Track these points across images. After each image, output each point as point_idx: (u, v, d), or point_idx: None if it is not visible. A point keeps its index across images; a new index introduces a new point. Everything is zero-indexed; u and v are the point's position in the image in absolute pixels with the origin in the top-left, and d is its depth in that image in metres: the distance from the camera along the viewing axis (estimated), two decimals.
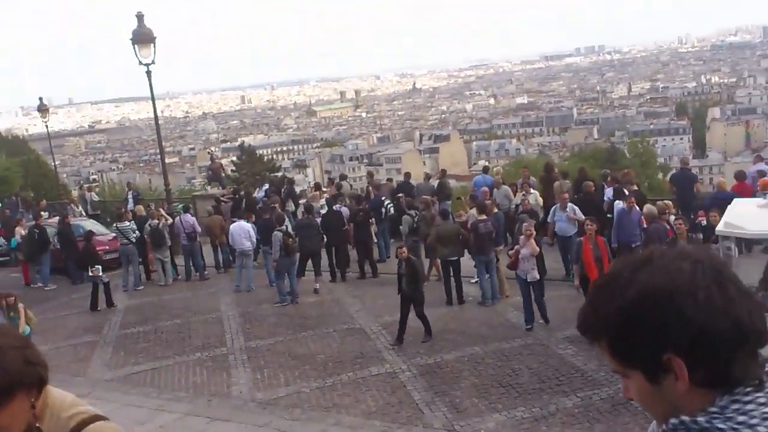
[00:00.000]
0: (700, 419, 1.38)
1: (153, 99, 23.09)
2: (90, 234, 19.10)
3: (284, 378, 12.60)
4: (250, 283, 18.24)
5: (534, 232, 13.83)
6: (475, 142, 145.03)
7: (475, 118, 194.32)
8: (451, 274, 15.48)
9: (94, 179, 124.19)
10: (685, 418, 1.40)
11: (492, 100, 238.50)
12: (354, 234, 18.39)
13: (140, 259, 19.95)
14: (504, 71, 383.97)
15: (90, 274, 17.88)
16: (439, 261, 16.19)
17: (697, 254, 1.43)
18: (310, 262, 17.65)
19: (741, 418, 1.36)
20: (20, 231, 21.36)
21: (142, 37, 22.03)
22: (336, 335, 14.44)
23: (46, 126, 39.03)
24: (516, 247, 13.67)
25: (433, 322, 14.41)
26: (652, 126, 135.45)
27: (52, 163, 44.95)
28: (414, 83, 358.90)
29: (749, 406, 1.37)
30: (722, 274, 1.40)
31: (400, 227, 17.96)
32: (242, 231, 18.07)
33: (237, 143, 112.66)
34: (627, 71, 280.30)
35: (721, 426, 1.36)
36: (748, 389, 1.39)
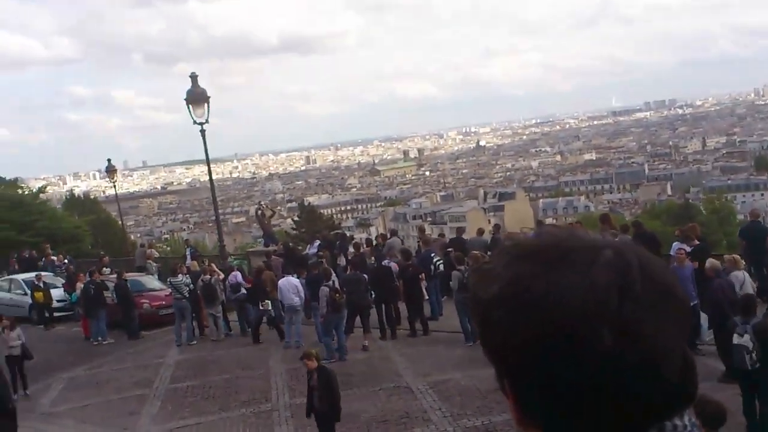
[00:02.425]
0: None
1: (207, 157, 23.72)
2: (260, 270, 19.96)
3: None
4: (298, 339, 18.19)
5: None
6: (541, 200, 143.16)
7: (542, 175, 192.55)
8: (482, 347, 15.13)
9: (166, 238, 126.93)
10: None
11: (559, 157, 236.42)
12: (404, 290, 18.26)
13: (194, 314, 20.18)
14: (570, 127, 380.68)
15: (260, 307, 18.75)
16: None
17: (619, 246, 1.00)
18: (360, 318, 17.64)
19: None
20: (80, 286, 21.89)
21: (196, 97, 22.79)
22: (382, 394, 14.23)
23: (114, 187, 40.55)
24: None
25: (483, 382, 14.11)
26: (729, 181, 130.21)
27: (120, 222, 46.29)
28: (478, 141, 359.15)
29: None
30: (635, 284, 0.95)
31: (450, 283, 17.81)
32: (291, 286, 18.14)
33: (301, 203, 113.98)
34: (701, 125, 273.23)
35: None
36: None
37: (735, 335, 9.98)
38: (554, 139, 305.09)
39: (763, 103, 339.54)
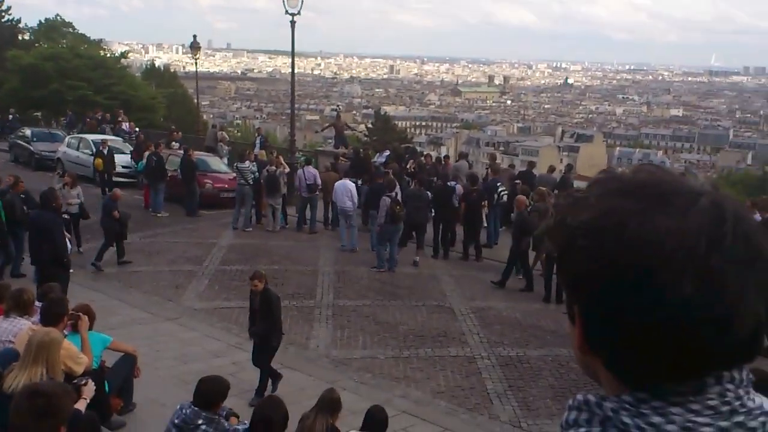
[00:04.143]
0: (607, 404, 1.03)
1: (293, 49, 23.48)
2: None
3: (363, 341, 12.54)
4: (353, 242, 18.23)
5: None
6: (618, 148, 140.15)
7: (624, 123, 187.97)
8: (555, 271, 14.95)
9: (238, 123, 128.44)
10: (591, 397, 1.06)
11: (645, 108, 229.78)
12: (464, 214, 18.02)
13: (254, 203, 20.29)
14: (663, 80, 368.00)
15: None
16: (544, 255, 15.65)
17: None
18: (415, 234, 17.53)
19: (656, 420, 0.98)
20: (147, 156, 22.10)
21: None
22: (424, 309, 14.22)
23: (195, 64, 40.44)
24: None
25: (525, 316, 14.05)
26: None
27: (196, 100, 46.56)
28: (566, 78, 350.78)
29: (674, 410, 0.99)
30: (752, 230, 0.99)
31: (511, 214, 17.51)
32: (345, 189, 18.06)
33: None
34: None
35: (626, 420, 1.00)
36: (683, 388, 1.00)
37: None
38: (644, 89, 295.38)
39: None
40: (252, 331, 10.47)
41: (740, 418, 0.99)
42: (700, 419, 0.98)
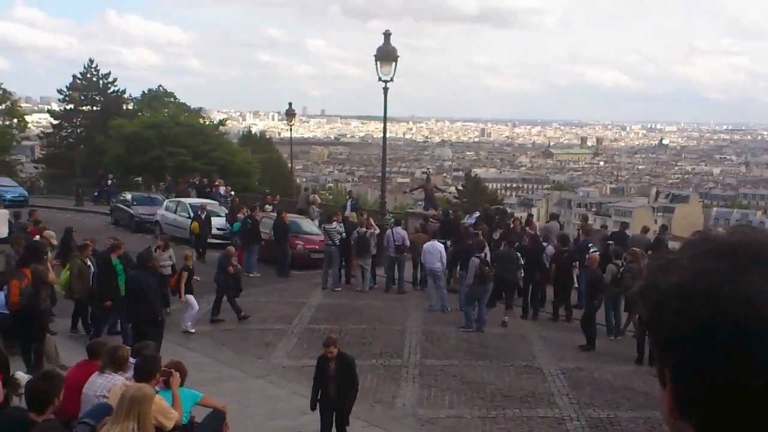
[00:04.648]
0: None
1: (385, 114, 23.88)
2: None
3: (449, 400, 12.44)
4: (444, 302, 18.22)
5: None
6: (715, 208, 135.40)
7: (721, 183, 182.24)
8: (648, 333, 14.53)
9: (330, 186, 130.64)
10: None
11: (743, 168, 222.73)
12: (555, 275, 17.82)
13: (342, 262, 20.55)
14: (763, 139, 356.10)
15: None
16: (637, 317, 15.28)
17: None
18: (504, 294, 17.41)
19: None
20: (240, 217, 22.84)
21: (386, 55, 22.97)
22: (512, 370, 14.03)
23: (290, 130, 41.94)
24: None
25: (617, 377, 13.68)
26: None
27: (290, 165, 47.97)
28: (661, 139, 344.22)
29: None
30: None
31: (603, 275, 17.16)
32: (434, 250, 18.21)
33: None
34: None
35: None
36: None
37: None
38: (743, 149, 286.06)
39: None
40: (334, 403, 9.82)
41: None
42: None
